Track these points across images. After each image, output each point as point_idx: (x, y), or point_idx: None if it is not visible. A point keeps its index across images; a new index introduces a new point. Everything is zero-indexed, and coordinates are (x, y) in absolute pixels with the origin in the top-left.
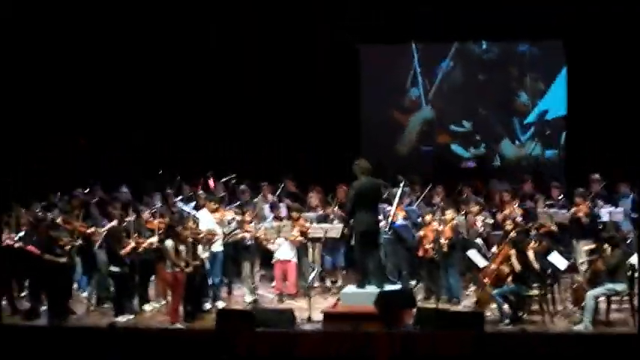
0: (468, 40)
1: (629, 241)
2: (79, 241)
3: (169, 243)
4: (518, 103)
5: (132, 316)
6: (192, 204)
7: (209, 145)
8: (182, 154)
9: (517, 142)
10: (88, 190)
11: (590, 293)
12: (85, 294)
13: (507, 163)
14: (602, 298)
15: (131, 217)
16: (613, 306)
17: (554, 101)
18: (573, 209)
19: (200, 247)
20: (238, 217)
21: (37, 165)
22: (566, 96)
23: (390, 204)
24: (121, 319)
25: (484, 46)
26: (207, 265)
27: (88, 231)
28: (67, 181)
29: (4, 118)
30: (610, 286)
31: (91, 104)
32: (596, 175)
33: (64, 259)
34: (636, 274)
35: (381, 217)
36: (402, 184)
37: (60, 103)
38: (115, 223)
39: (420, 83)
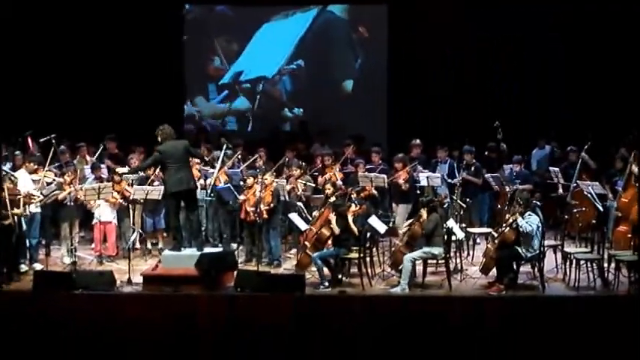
0: None
1: (445, 206)
2: None
3: None
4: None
5: None
6: (9, 164)
7: (27, 102)
8: None
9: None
10: None
11: (408, 256)
12: None
13: None
14: (419, 261)
15: None
16: (429, 269)
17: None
18: (393, 174)
19: (17, 208)
20: (58, 179)
21: None
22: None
23: (213, 167)
24: None
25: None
26: (25, 226)
27: None
28: None
29: None
30: (427, 249)
31: None
32: (417, 141)
33: None
34: (453, 238)
35: (202, 180)
36: (224, 147)
37: None
38: None
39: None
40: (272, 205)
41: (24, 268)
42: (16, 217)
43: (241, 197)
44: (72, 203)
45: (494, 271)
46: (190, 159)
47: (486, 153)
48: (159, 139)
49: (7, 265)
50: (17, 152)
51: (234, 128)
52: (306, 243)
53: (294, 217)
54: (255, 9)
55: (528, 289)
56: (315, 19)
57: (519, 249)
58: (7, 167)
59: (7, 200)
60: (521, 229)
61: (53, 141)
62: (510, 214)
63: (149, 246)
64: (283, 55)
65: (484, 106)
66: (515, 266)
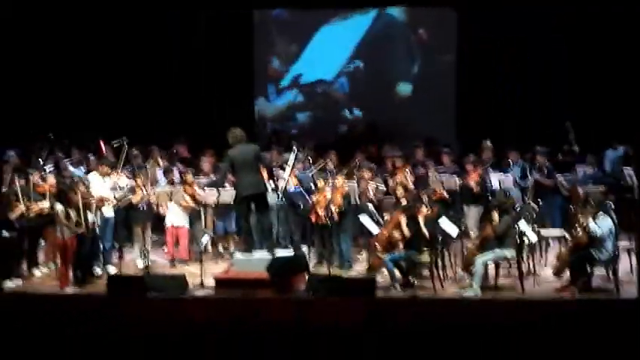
0: None
1: (517, 208)
2: None
3: (60, 207)
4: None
5: (20, 281)
6: (83, 168)
7: (101, 108)
8: (73, 118)
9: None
10: None
11: (480, 259)
12: None
13: None
14: (490, 264)
15: (21, 181)
16: (501, 271)
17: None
18: (464, 176)
19: (90, 212)
20: (131, 182)
21: None
22: None
23: (284, 170)
24: (9, 283)
25: None
26: (98, 230)
27: None
28: None
29: None
30: (499, 251)
31: None
32: (488, 143)
33: None
34: (525, 240)
35: (272, 183)
36: (294, 150)
37: None
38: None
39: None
40: (343, 207)
41: (98, 271)
42: (89, 222)
43: (312, 199)
44: (144, 207)
45: (567, 274)
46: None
47: (559, 155)
48: (229, 142)
49: (81, 269)
50: (91, 156)
51: (294, 131)
52: (377, 246)
53: (365, 219)
54: (314, 12)
55: (602, 292)
56: (373, 21)
57: (593, 251)
58: (80, 171)
59: (81, 204)
60: (592, 233)
61: (125, 144)
62: (583, 216)
63: (220, 249)
64: (342, 58)
65: (555, 106)
66: (588, 269)
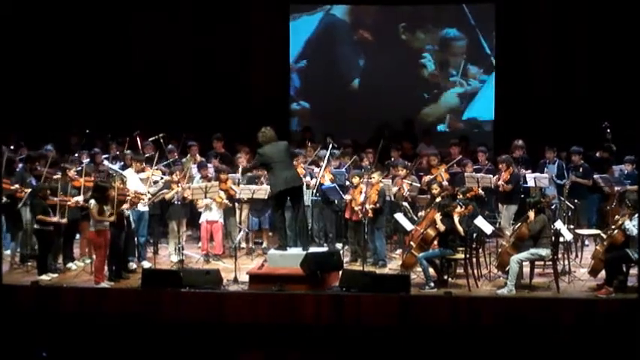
0: None
1: (553, 207)
2: (4, 199)
3: (93, 202)
4: None
5: (56, 275)
6: (120, 163)
7: (139, 103)
8: (111, 113)
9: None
10: (12, 147)
11: (515, 257)
12: (8, 252)
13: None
14: (526, 263)
15: (57, 175)
16: (536, 270)
17: None
18: (499, 175)
19: (125, 206)
20: (166, 177)
21: None
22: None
23: (319, 166)
24: (45, 277)
25: None
26: (133, 225)
27: (12, 188)
28: None
29: None
30: (534, 250)
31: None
32: (519, 142)
33: None
34: (560, 239)
35: (308, 178)
36: (330, 146)
37: None
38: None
39: None
40: (378, 204)
41: (133, 265)
42: (125, 216)
43: (347, 197)
44: (179, 202)
45: (602, 274)
46: (296, 158)
47: (597, 154)
48: (260, 141)
49: (116, 264)
50: (127, 151)
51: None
52: (412, 243)
53: (399, 217)
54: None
55: (638, 292)
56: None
57: (629, 251)
58: (117, 166)
59: (116, 200)
60: (627, 232)
61: (162, 140)
62: (619, 216)
63: (251, 245)
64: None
65: (593, 105)
66: (624, 268)
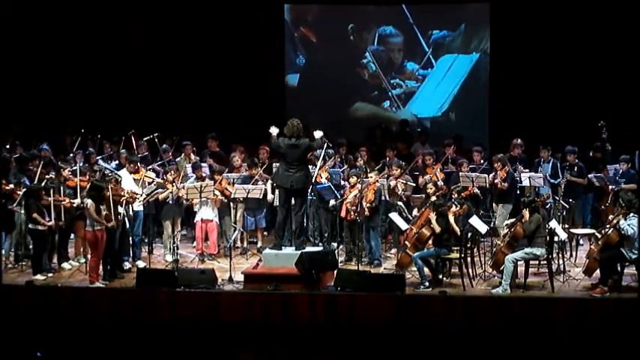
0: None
1: (548, 206)
2: None
3: (89, 201)
4: None
5: (50, 275)
6: (115, 162)
7: (133, 103)
8: (105, 112)
9: None
10: (7, 146)
11: (509, 257)
12: (2, 251)
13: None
14: (520, 262)
15: (51, 175)
16: (531, 270)
17: None
18: (494, 174)
19: (121, 207)
20: (157, 179)
21: None
22: None
23: (315, 165)
24: (40, 277)
25: None
26: (128, 224)
27: (7, 188)
28: None
29: None
30: (528, 250)
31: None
32: (518, 140)
33: None
34: (555, 239)
35: None
36: (325, 146)
37: None
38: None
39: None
40: (374, 203)
41: (127, 265)
42: (119, 216)
43: (342, 196)
44: (174, 202)
45: (597, 273)
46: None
47: (591, 153)
48: (285, 132)
49: (111, 263)
50: (122, 151)
51: None
52: (407, 243)
53: (394, 216)
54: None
55: (633, 292)
56: None
57: (623, 250)
58: (112, 165)
59: (111, 200)
60: (622, 232)
61: (156, 140)
62: (614, 215)
63: (246, 244)
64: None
65: (588, 104)
66: (619, 268)
